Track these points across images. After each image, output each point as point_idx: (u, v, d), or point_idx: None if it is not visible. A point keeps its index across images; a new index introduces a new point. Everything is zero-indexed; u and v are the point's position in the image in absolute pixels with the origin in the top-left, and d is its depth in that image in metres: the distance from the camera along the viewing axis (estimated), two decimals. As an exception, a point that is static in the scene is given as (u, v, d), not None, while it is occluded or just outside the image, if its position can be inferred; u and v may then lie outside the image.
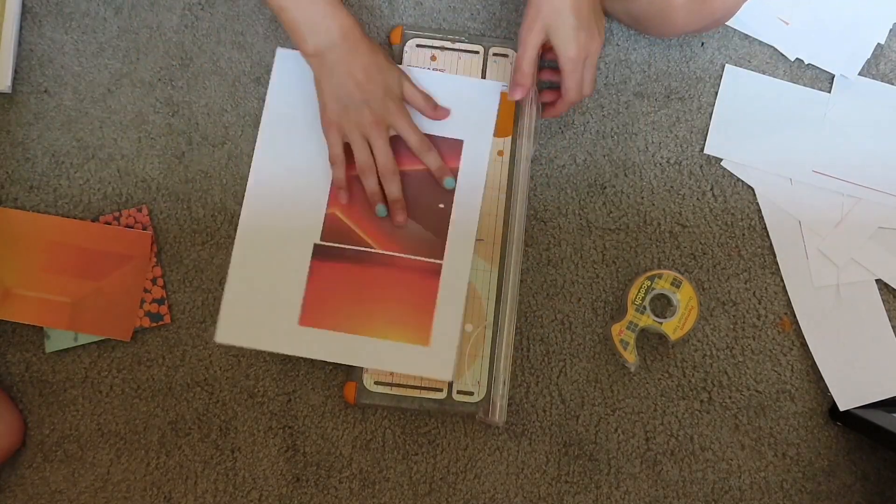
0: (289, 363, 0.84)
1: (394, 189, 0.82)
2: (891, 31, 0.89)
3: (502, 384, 0.80)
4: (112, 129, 0.87)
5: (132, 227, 0.84)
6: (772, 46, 0.89)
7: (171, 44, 0.88)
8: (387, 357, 0.81)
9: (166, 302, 0.84)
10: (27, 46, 0.87)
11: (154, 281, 0.84)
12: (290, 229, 0.83)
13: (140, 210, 0.85)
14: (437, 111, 0.84)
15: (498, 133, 0.86)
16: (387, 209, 0.82)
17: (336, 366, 0.84)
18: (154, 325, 0.83)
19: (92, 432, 0.83)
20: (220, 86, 0.88)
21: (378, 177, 0.81)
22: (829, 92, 0.89)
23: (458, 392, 0.82)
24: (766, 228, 0.87)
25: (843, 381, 0.84)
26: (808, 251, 0.86)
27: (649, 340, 0.85)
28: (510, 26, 0.89)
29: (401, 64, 0.87)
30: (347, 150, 0.81)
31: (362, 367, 0.82)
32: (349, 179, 0.82)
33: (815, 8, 0.89)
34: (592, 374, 0.85)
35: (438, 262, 0.83)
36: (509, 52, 0.87)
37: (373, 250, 0.83)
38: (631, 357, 0.82)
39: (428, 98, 0.84)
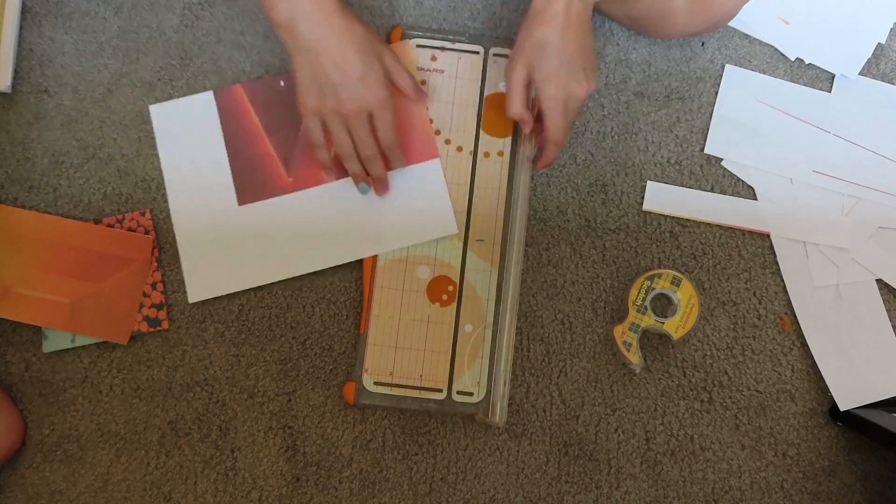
0: (289, 363, 0.84)
1: (378, 170, 0.81)
2: (891, 30, 0.89)
3: (502, 385, 0.80)
4: (112, 129, 0.87)
5: (134, 231, 0.84)
6: (772, 46, 0.89)
7: (171, 44, 0.88)
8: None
9: (165, 307, 0.84)
10: (27, 46, 0.87)
11: (154, 286, 0.84)
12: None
13: (143, 214, 0.85)
14: (420, 94, 0.83)
15: (498, 133, 0.86)
16: (369, 187, 0.83)
17: (336, 366, 0.84)
18: (152, 329, 0.83)
19: (92, 432, 0.83)
20: (220, 86, 0.88)
21: (360, 159, 0.80)
22: (830, 92, 0.89)
23: (458, 392, 0.82)
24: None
25: (843, 381, 0.84)
26: (808, 251, 0.86)
27: (650, 340, 0.85)
28: (510, 26, 0.89)
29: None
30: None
31: (363, 367, 0.82)
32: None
33: (815, 7, 0.89)
34: (592, 374, 0.85)
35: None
36: (509, 52, 0.87)
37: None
38: (635, 359, 0.82)
39: (411, 80, 0.82)
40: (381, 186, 0.83)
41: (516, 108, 0.78)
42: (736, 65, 0.89)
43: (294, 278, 0.85)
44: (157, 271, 0.84)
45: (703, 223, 0.87)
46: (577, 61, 0.74)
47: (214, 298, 0.84)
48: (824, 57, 0.89)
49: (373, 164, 0.80)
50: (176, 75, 0.88)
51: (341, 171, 0.83)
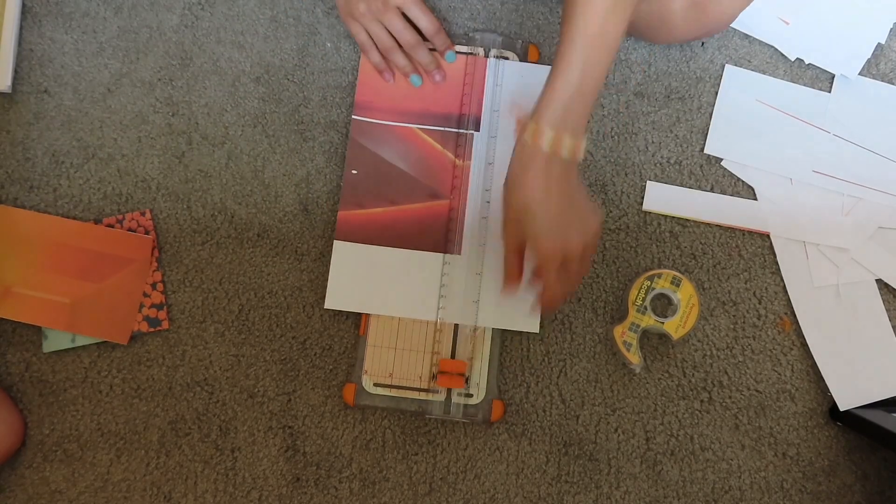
0: (289, 363, 0.84)
1: (423, 55, 0.84)
2: (891, 30, 0.89)
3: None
4: (112, 129, 0.87)
5: (134, 231, 0.84)
6: (772, 46, 0.89)
7: (171, 44, 0.88)
8: None
9: (165, 307, 0.84)
10: (27, 46, 0.87)
11: (154, 286, 0.84)
12: None
13: (143, 214, 0.85)
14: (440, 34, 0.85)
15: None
16: (420, 78, 0.86)
17: (336, 366, 0.84)
18: (152, 329, 0.83)
19: (92, 432, 0.83)
20: (220, 86, 0.88)
21: (403, 52, 0.84)
22: (830, 92, 0.89)
23: (458, 394, 0.82)
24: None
25: (843, 381, 0.84)
26: (808, 251, 0.86)
27: (650, 340, 0.85)
28: (510, 26, 0.89)
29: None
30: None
31: (362, 369, 0.82)
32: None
33: (815, 8, 0.89)
34: (592, 374, 0.85)
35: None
36: (510, 54, 0.87)
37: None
38: (635, 359, 0.82)
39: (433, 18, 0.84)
40: (433, 73, 0.86)
41: (511, 270, 0.74)
42: (736, 65, 0.89)
43: (294, 278, 0.85)
44: (157, 271, 0.84)
45: (703, 223, 0.87)
46: (566, 213, 0.69)
47: (214, 298, 0.84)
48: (824, 57, 0.89)
49: (417, 52, 0.84)
50: (176, 75, 0.88)
51: (393, 69, 0.86)
